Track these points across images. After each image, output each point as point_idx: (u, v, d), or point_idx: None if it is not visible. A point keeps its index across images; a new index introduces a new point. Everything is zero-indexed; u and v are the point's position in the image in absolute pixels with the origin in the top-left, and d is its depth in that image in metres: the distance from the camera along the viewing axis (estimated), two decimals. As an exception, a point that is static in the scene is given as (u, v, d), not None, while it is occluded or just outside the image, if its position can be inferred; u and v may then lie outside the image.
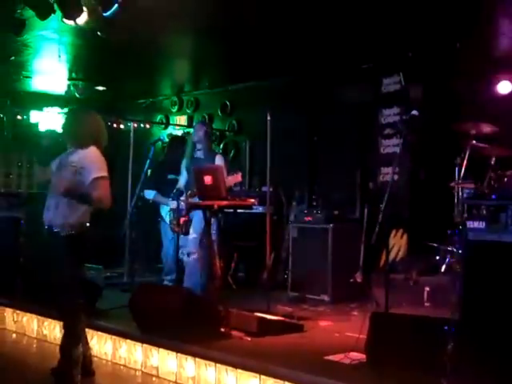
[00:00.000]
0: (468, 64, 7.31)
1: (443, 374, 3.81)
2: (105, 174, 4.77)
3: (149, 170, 7.81)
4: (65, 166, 4.80)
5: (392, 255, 6.94)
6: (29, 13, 6.64)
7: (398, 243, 7.00)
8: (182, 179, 7.12)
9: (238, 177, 6.19)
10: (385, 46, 7.74)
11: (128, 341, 5.61)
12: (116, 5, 6.05)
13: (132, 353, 5.57)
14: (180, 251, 6.86)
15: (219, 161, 6.98)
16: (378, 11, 6.69)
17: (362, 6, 6.58)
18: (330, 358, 4.73)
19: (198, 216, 6.60)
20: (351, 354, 4.66)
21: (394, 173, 5.69)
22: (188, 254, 6.92)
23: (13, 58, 8.87)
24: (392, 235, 6.86)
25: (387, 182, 5.09)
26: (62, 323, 4.96)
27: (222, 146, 10.64)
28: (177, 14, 6.91)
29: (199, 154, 7.12)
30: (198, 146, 7.10)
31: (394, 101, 8.16)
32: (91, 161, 4.77)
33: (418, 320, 4.63)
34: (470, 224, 4.20)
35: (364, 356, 4.52)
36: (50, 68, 9.80)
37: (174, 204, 6.84)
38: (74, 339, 4.79)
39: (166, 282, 7.57)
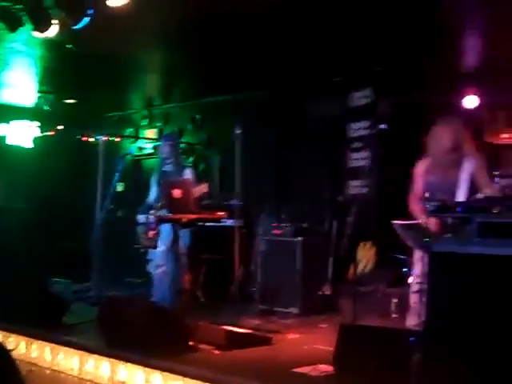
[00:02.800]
0: (435, 78, 7.41)
1: (410, 384, 3.83)
2: None
3: (118, 184, 7.79)
4: None
5: (360, 267, 6.97)
6: (-2, 25, 6.62)
7: (366, 255, 7.04)
8: (152, 194, 7.10)
9: (204, 187, 6.18)
10: (354, 60, 7.83)
11: (95, 356, 5.53)
12: (86, 18, 6.05)
13: (99, 368, 5.50)
14: (149, 264, 6.83)
15: (188, 174, 6.98)
16: (347, 26, 6.78)
17: (332, 21, 6.66)
18: (298, 370, 4.70)
19: (166, 229, 6.58)
20: (319, 366, 4.65)
21: (362, 186, 5.74)
22: (156, 267, 6.89)
23: (-19, 70, 8.81)
24: (360, 248, 6.90)
25: (356, 195, 5.12)
26: None
27: (192, 159, 10.63)
28: (147, 28, 6.93)
29: (168, 168, 7.11)
30: (167, 160, 7.10)
31: (363, 114, 8.24)
32: None
33: (385, 331, 4.65)
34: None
35: (332, 368, 4.51)
36: (18, 80, 9.73)
37: (142, 218, 6.81)
38: None
39: None
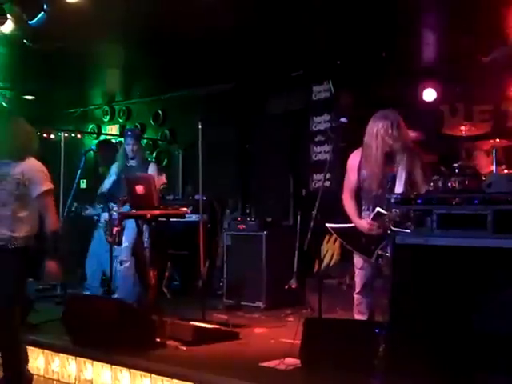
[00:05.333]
0: (394, 72, 7.50)
1: (375, 375, 3.89)
2: (51, 186, 4.66)
3: (81, 181, 7.73)
4: (2, 179, 4.50)
5: (326, 261, 7.04)
6: (-49, 20, 6.48)
7: (331, 249, 7.11)
8: (107, 183, 7.06)
9: (163, 178, 6.16)
10: (314, 53, 7.87)
11: (61, 355, 5.49)
12: (42, 13, 5.96)
13: (65, 367, 5.46)
14: (115, 261, 6.79)
15: (152, 169, 6.95)
16: (307, 19, 6.81)
17: (291, 15, 6.69)
18: (266, 364, 4.74)
19: (130, 224, 6.55)
20: (286, 359, 4.69)
21: (325, 179, 5.77)
22: (120, 263, 6.85)
23: None
24: (325, 241, 6.96)
25: (319, 189, 5.15)
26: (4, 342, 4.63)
27: (154, 154, 10.59)
28: (106, 23, 6.87)
29: (132, 163, 7.08)
30: (130, 155, 7.06)
31: (325, 108, 8.30)
32: (37, 172, 4.59)
33: (350, 324, 4.73)
34: (397, 228, 4.33)
35: (299, 361, 4.56)
36: (-27, 77, 9.58)
37: (104, 215, 6.77)
38: (23, 355, 4.74)
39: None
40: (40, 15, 5.91)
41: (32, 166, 4.58)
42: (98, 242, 7.48)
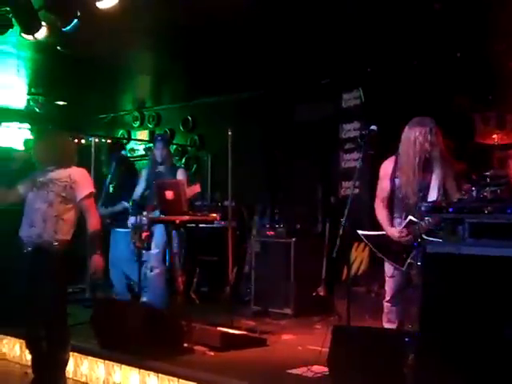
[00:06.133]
0: (425, 79, 7.44)
1: (404, 384, 3.86)
2: (94, 189, 5.06)
3: (110, 186, 7.79)
4: (50, 182, 4.86)
5: (354, 268, 6.99)
6: (-13, 27, 6.59)
7: (359, 256, 7.06)
8: (139, 189, 7.11)
9: (197, 187, 6.19)
10: (344, 61, 7.85)
11: (90, 358, 5.55)
12: (75, 20, 6.03)
13: (94, 370, 5.51)
14: (144, 266, 6.83)
15: (181, 175, 6.97)
16: (337, 27, 6.80)
17: (321, 23, 6.69)
18: (293, 371, 4.75)
19: (159, 230, 6.58)
20: (314, 367, 4.68)
21: (354, 187, 5.73)
22: (151, 269, 6.88)
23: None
24: (354, 248, 6.92)
25: (348, 196, 5.11)
26: (50, 340, 4.86)
27: (183, 160, 10.64)
28: (138, 30, 6.92)
29: (161, 169, 7.10)
30: (159, 160, 7.09)
31: (354, 116, 8.26)
32: (83, 176, 5.01)
33: (379, 332, 4.68)
34: (429, 237, 4.28)
35: (326, 369, 4.53)
36: (8, 82, 9.70)
37: (132, 219, 6.82)
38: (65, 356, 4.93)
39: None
40: (73, 22, 5.97)
41: (78, 171, 5.00)
42: (115, 246, 7.54)
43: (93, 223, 4.93)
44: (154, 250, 6.74)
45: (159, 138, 7.44)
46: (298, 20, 6.67)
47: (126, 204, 7.43)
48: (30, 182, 4.97)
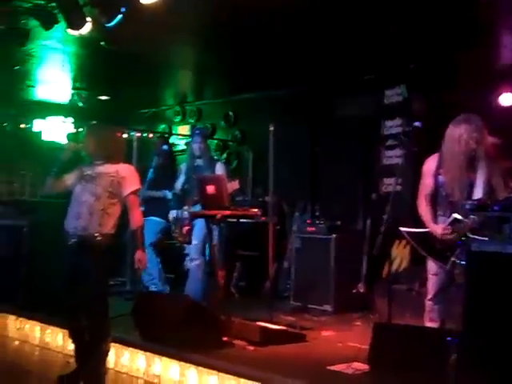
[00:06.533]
0: (470, 75, 7.33)
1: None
2: (140, 186, 5.14)
3: (152, 177, 7.88)
4: (98, 176, 4.91)
5: (395, 266, 6.92)
6: (33, 23, 6.69)
7: (400, 254, 6.99)
8: (179, 183, 7.15)
9: (235, 184, 6.21)
10: (387, 57, 7.78)
11: (130, 349, 5.61)
12: (120, 15, 6.08)
13: (134, 361, 5.57)
14: (187, 258, 6.89)
15: (220, 169, 6.98)
16: (380, 22, 6.74)
17: (364, 18, 6.63)
18: (333, 367, 4.73)
19: (200, 223, 6.62)
20: (354, 364, 4.66)
21: (396, 184, 5.69)
22: (191, 260, 6.93)
23: (17, 67, 8.92)
24: (395, 246, 6.86)
25: (389, 193, 5.07)
26: (91, 331, 4.91)
27: (224, 155, 10.66)
28: (180, 25, 6.96)
29: (199, 162, 7.12)
30: (198, 154, 7.11)
31: (397, 112, 8.19)
32: (131, 172, 5.04)
33: (420, 330, 4.64)
34: (474, 235, 4.22)
35: (367, 366, 4.52)
36: (53, 77, 9.85)
37: (173, 213, 6.86)
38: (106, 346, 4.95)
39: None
40: (118, 17, 6.03)
41: (126, 167, 5.06)
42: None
43: (136, 220, 4.99)
44: (194, 242, 6.79)
45: (197, 131, 7.45)
46: (340, 15, 6.62)
47: (167, 193, 7.49)
48: (77, 174, 5.02)
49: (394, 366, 4.26)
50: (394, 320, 5.12)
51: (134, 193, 4.99)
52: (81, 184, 4.94)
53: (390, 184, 7.91)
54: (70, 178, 5.03)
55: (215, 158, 7.98)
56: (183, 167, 7.29)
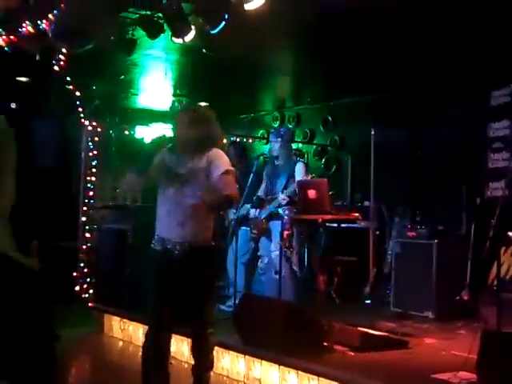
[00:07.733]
0: None
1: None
2: (233, 168, 4.51)
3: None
4: (191, 175, 4.38)
5: (502, 273, 6.68)
6: (140, 33, 6.90)
7: (508, 260, 6.73)
8: (263, 185, 7.17)
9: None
10: (492, 57, 7.54)
11: (231, 352, 5.67)
12: (223, 22, 6.16)
13: (235, 364, 5.63)
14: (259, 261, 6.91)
15: (300, 168, 6.91)
16: (485, 21, 6.54)
17: (468, 18, 6.46)
18: (438, 376, 4.60)
19: (276, 227, 6.67)
20: (460, 373, 4.52)
21: (504, 187, 5.49)
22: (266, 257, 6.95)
23: (122, 76, 9.22)
24: (502, 252, 6.61)
25: (496, 198, 4.90)
26: (197, 341, 4.56)
27: (323, 161, 10.62)
28: (279, 30, 6.99)
29: (279, 162, 7.09)
30: (275, 154, 7.07)
31: (504, 114, 7.90)
32: (219, 156, 4.46)
33: (532, 340, 4.45)
34: None
35: (474, 376, 4.37)
36: (155, 85, 10.12)
37: (252, 212, 6.86)
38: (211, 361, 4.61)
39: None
40: (222, 24, 6.10)
41: (215, 151, 4.47)
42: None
43: (232, 192, 4.41)
44: (273, 242, 6.79)
45: (272, 131, 7.43)
46: (443, 15, 6.48)
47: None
48: (161, 168, 4.50)
49: (503, 376, 4.10)
50: (502, 329, 4.94)
51: (226, 172, 4.37)
52: (174, 187, 4.40)
53: (496, 188, 7.64)
54: (152, 173, 4.50)
55: (295, 157, 7.69)
56: (266, 169, 7.31)
